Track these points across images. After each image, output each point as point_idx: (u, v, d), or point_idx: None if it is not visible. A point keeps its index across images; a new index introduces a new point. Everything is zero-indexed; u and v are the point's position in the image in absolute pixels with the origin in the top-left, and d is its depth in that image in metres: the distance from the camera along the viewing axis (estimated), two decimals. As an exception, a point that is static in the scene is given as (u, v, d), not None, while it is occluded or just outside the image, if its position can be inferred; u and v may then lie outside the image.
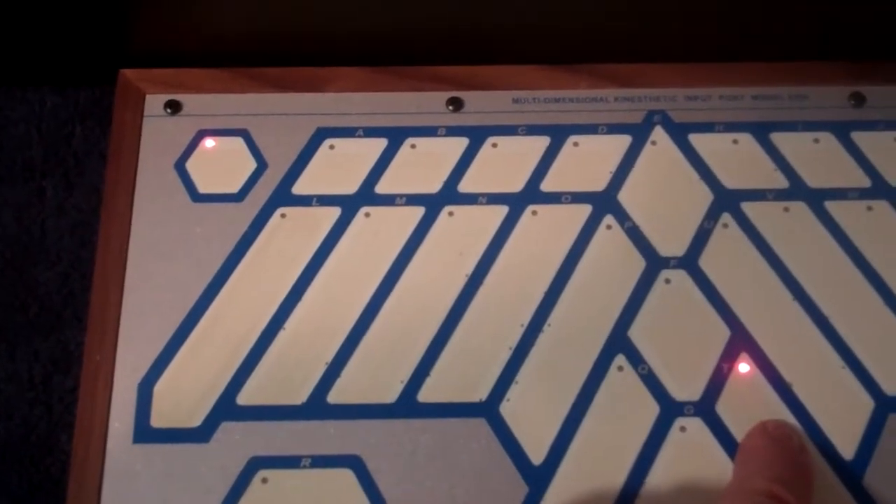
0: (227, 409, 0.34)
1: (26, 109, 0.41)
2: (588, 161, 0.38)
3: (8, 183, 0.40)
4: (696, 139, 0.38)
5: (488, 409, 0.34)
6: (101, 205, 0.38)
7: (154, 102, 0.39)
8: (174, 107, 0.39)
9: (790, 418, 0.33)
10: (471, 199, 0.37)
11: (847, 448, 0.33)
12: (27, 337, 0.37)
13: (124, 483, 0.33)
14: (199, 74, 0.40)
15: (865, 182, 0.37)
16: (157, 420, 0.34)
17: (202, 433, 0.33)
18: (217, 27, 0.40)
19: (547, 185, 0.37)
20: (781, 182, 0.37)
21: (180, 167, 0.38)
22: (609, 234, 0.36)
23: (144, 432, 0.34)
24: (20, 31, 0.40)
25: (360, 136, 0.38)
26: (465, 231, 0.37)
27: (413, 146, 0.38)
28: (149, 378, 0.34)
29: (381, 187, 0.38)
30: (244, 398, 0.34)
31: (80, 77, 0.41)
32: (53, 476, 0.36)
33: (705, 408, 0.33)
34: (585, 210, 0.37)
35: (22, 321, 0.38)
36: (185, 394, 0.34)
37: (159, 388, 0.34)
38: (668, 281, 0.36)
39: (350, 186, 0.38)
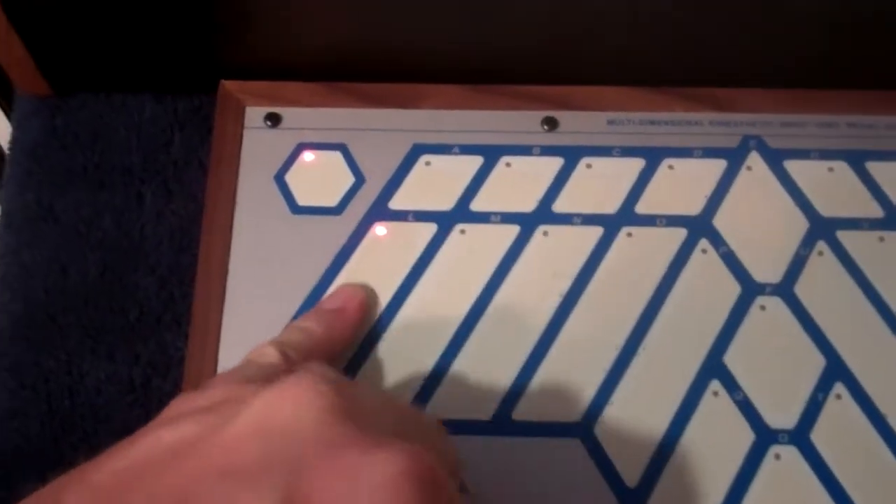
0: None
1: (126, 116, 0.42)
2: (683, 184, 0.38)
3: (108, 188, 0.41)
4: (791, 166, 0.38)
5: (583, 430, 0.34)
6: (199, 212, 0.39)
7: (254, 115, 0.40)
8: (274, 119, 0.39)
9: (885, 450, 0.33)
10: (565, 219, 0.38)
11: (944, 482, 0.33)
12: (127, 340, 0.38)
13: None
14: (298, 88, 0.40)
15: (962, 213, 0.37)
16: (258, 428, 0.34)
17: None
18: (315, 41, 0.41)
19: (642, 208, 0.38)
20: (877, 211, 0.37)
21: (280, 179, 0.38)
22: (704, 259, 0.37)
23: (245, 440, 0.34)
24: (122, 39, 0.41)
25: (455, 153, 0.39)
26: (560, 251, 0.37)
27: (508, 164, 0.39)
28: (249, 387, 0.35)
29: (476, 205, 0.38)
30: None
31: (178, 85, 0.42)
32: (154, 478, 0.36)
33: (800, 436, 0.34)
34: (680, 234, 0.37)
35: (122, 324, 0.39)
36: (284, 403, 0.35)
37: (259, 396, 0.35)
38: (763, 308, 0.36)
39: (446, 203, 0.38)
